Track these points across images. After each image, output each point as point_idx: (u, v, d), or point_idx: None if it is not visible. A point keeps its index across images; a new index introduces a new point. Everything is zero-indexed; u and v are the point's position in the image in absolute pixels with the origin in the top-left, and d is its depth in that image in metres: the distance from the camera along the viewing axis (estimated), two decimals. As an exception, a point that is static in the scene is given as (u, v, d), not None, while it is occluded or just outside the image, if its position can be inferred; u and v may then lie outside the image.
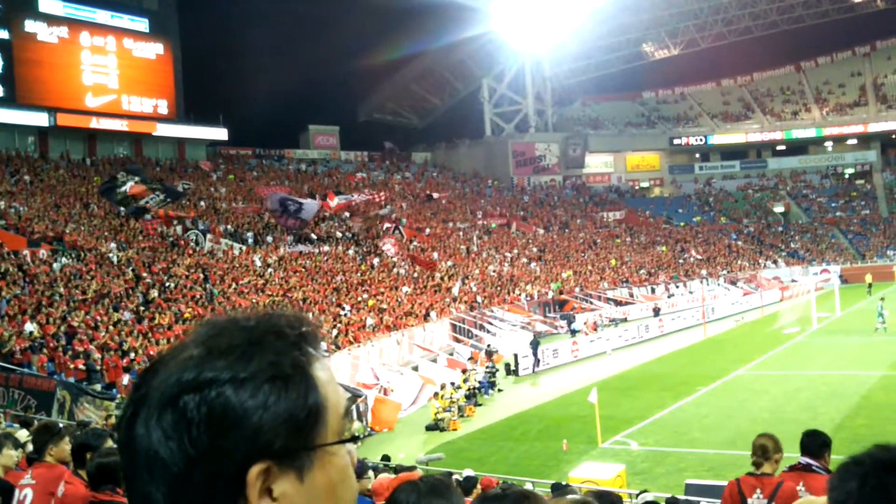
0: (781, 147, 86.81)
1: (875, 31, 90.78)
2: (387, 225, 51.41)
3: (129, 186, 40.21)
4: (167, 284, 32.79)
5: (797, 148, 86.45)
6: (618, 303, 50.91)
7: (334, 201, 49.45)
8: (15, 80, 49.79)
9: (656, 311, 46.47)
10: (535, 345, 33.71)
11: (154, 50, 57.03)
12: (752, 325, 44.06)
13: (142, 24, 56.57)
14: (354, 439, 1.10)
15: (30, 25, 50.90)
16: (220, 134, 60.83)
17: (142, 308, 29.43)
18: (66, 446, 5.56)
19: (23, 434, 9.54)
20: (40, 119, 50.28)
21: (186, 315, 29.70)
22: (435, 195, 64.21)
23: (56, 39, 52.06)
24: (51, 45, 51.77)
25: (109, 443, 5.18)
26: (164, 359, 1.03)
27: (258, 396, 0.99)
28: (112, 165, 50.38)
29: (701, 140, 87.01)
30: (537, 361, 33.17)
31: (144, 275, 32.78)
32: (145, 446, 0.97)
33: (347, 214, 50.76)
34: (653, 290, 55.82)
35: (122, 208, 40.57)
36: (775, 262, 69.35)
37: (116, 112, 54.36)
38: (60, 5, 52.25)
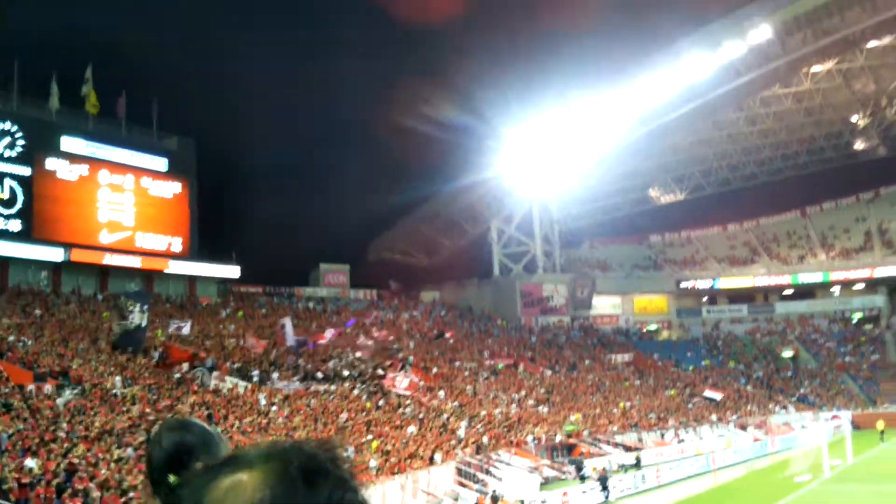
0: (789, 291, 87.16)
1: (878, 178, 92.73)
2: (397, 366, 51.35)
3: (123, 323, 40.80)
4: (171, 422, 32.48)
5: (804, 292, 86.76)
6: (627, 448, 50.07)
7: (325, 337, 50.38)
8: (32, 215, 50.79)
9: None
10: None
11: (171, 189, 58.28)
12: (762, 473, 43.20)
13: (161, 163, 57.99)
14: None
15: (51, 163, 52.24)
16: (232, 272, 61.46)
17: (145, 446, 29.14)
18: None
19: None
20: (55, 254, 51.05)
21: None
22: (446, 334, 64.25)
23: (76, 177, 53.34)
24: (70, 183, 53.03)
25: None
26: (212, 479, 1.03)
27: None
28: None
29: (708, 284, 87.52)
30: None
31: (148, 411, 32.60)
32: None
33: (357, 353, 51.01)
34: (662, 435, 54.99)
35: (128, 347, 40.68)
36: (785, 407, 68.50)
37: (130, 249, 55.17)
38: (83, 143, 53.79)
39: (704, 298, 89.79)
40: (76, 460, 25.67)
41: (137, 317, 41.14)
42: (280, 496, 0.98)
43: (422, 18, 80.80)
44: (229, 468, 1.02)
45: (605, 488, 35.54)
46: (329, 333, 51.69)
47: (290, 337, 47.92)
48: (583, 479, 40.22)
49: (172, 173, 58.43)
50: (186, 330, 47.18)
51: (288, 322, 49.31)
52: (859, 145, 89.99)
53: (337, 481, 1.03)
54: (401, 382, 47.28)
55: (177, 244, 57.92)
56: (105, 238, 54.16)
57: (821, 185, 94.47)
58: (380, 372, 49.87)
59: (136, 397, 34.23)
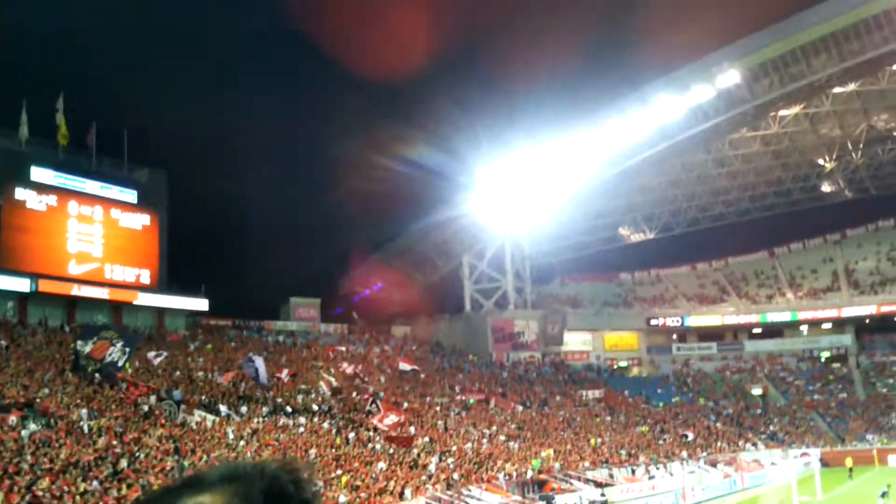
0: (757, 330, 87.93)
1: (845, 220, 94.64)
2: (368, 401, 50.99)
3: (90, 349, 40.08)
4: (137, 455, 32.04)
5: (773, 331, 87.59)
6: (598, 484, 49.88)
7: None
8: (0, 244, 50.11)
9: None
10: None
11: (141, 221, 57.75)
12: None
13: (131, 196, 57.48)
14: None
15: (20, 193, 51.53)
16: (201, 304, 60.82)
17: (110, 479, 28.64)
18: None
19: None
20: (22, 285, 50.28)
21: (154, 488, 28.88)
22: (407, 367, 63.23)
23: (44, 207, 52.69)
24: (39, 213, 52.33)
25: None
26: (172, 495, 1.03)
27: None
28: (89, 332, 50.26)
29: (678, 322, 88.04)
30: None
31: (115, 443, 32.08)
32: None
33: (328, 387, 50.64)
34: (633, 471, 54.88)
35: (96, 375, 40.17)
36: (755, 444, 68.73)
37: (99, 280, 54.46)
38: (52, 174, 53.19)
39: (674, 336, 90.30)
40: (40, 493, 25.18)
41: (117, 354, 40.61)
42: None
43: (391, 74, 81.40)
44: (192, 489, 1.01)
45: None
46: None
47: (263, 374, 47.32)
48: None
49: (142, 205, 57.95)
50: (160, 360, 46.79)
51: (259, 359, 48.72)
52: (826, 188, 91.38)
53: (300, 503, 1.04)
54: (384, 420, 46.90)
55: (146, 276, 57.33)
56: (73, 269, 53.48)
57: (788, 226, 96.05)
58: (358, 408, 49.53)
59: (103, 429, 33.68)
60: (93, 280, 54.07)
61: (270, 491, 1.00)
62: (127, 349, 41.31)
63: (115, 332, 42.45)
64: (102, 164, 57.25)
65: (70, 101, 55.09)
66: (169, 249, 59.78)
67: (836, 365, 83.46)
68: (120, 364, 40.76)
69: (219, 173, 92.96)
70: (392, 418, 46.79)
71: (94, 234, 55.13)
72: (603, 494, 45.01)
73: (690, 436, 65.14)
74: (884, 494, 36.53)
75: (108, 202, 56.26)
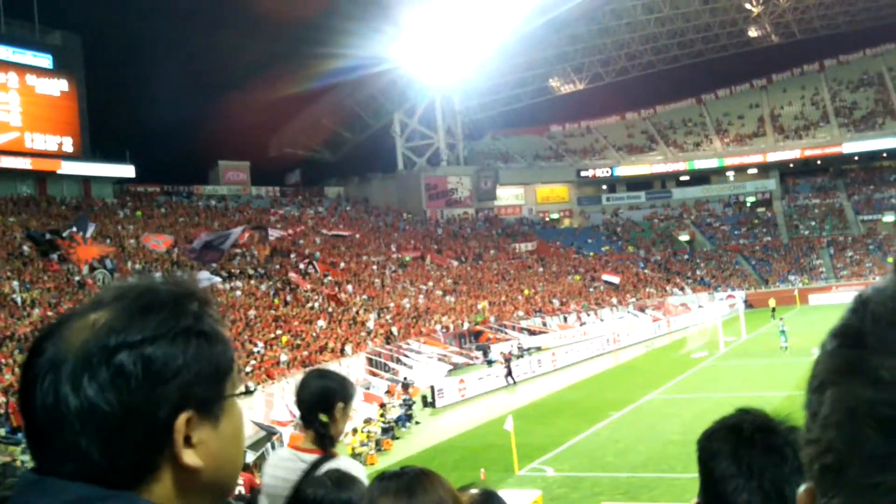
0: (685, 177, 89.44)
1: (771, 65, 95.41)
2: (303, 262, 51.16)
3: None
4: (74, 325, 31.92)
5: (700, 178, 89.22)
6: (531, 332, 51.51)
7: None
8: None
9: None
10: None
11: (58, 87, 55.71)
12: (660, 351, 45.11)
13: (45, 61, 55.25)
14: (248, 392, 1.19)
15: (-74, 61, 49.33)
16: (128, 171, 59.62)
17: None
18: None
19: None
20: (-63, 157, 48.66)
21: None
22: (336, 232, 63.25)
23: (-47, 75, 50.55)
24: (-52, 82, 50.24)
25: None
26: (69, 323, 1.10)
27: (189, 351, 1.09)
28: (15, 204, 49.13)
29: (607, 172, 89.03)
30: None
31: (50, 314, 31.94)
32: (78, 402, 1.03)
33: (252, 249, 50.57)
34: (565, 319, 56.67)
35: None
36: (682, 288, 71.21)
37: (19, 150, 52.80)
38: (-41, 41, 50.81)
39: (604, 186, 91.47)
40: (-23, 366, 25.15)
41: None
42: (117, 328, 1.07)
43: None
44: (88, 310, 1.10)
45: (509, 373, 36.56)
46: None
47: (199, 243, 46.43)
48: (490, 363, 41.34)
49: (58, 70, 55.75)
50: (89, 232, 46.03)
51: (237, 230, 47.65)
52: (753, 33, 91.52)
53: (172, 311, 1.11)
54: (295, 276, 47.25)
55: (68, 144, 55.71)
56: (-9, 140, 51.73)
57: (716, 72, 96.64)
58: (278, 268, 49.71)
59: (36, 301, 33.45)
60: (13, 150, 52.41)
61: (149, 300, 1.11)
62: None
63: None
64: (12, 27, 54.59)
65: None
66: (90, 116, 57.99)
67: (760, 209, 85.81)
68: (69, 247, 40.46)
69: (136, 34, 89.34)
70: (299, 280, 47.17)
71: (10, 102, 53.07)
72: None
73: (613, 279, 66.57)
74: (782, 332, 38.73)
75: (22, 68, 54.00)
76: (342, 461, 3.23)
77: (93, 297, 1.15)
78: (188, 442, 1.08)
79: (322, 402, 3.24)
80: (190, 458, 1.08)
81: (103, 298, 1.12)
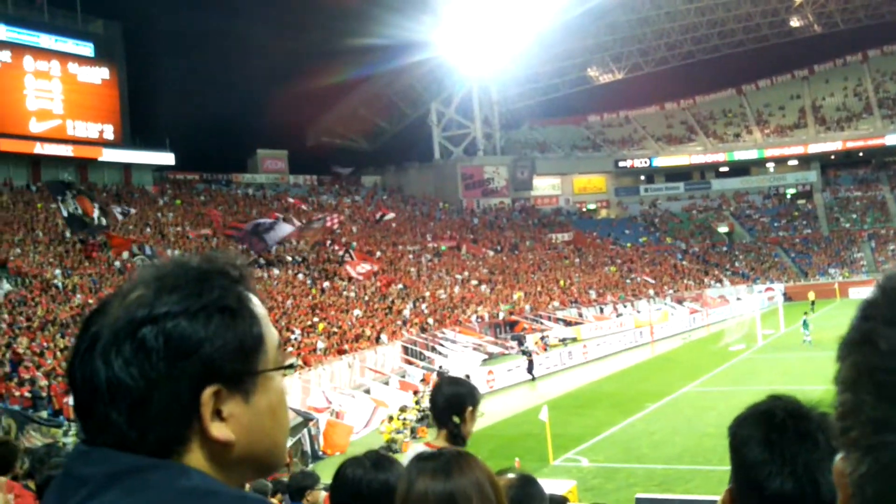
0: (724, 168, 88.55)
1: (813, 55, 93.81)
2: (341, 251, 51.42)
3: (75, 208, 40.12)
4: (114, 310, 32.35)
5: (740, 169, 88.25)
6: (567, 323, 51.37)
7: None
8: (-44, 105, 48.95)
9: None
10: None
11: (99, 75, 56.41)
12: (698, 343, 44.79)
13: (87, 49, 55.96)
14: (290, 367, 1.21)
15: (-29, 50, 50.12)
16: (167, 159, 60.25)
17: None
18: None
19: None
20: (-18, 145, 49.48)
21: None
22: (388, 216, 64.01)
23: (-1, 64, 51.33)
24: (-7, 70, 51.02)
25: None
26: (112, 300, 1.15)
27: (210, 326, 1.11)
28: (55, 190, 49.84)
29: (645, 162, 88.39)
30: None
31: (91, 301, 32.39)
32: (106, 375, 1.08)
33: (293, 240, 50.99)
34: (601, 310, 56.44)
35: (94, 236, 40.23)
36: (720, 281, 70.58)
37: (61, 137, 53.57)
38: (3, 29, 51.41)
39: (642, 177, 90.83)
40: (21, 350, 25.56)
41: (72, 204, 40.56)
42: (144, 304, 1.11)
43: None
44: (127, 288, 1.16)
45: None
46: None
47: (249, 226, 47.25)
48: (524, 353, 41.28)
49: (100, 58, 56.46)
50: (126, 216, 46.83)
51: (285, 225, 48.47)
52: (795, 22, 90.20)
53: (196, 287, 1.14)
54: (358, 268, 47.60)
55: (109, 132, 56.42)
56: (35, 127, 52.43)
57: (756, 63, 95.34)
58: (331, 259, 50.03)
59: (77, 287, 33.94)
60: (55, 137, 53.20)
61: (177, 276, 1.15)
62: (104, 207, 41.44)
63: (83, 190, 42.23)
64: (55, 17, 55.35)
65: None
66: (131, 104, 58.76)
67: (801, 201, 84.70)
68: (105, 223, 40.91)
69: (177, 24, 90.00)
70: (365, 266, 47.47)
71: (53, 90, 53.86)
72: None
73: (652, 280, 66.33)
74: (805, 324, 38.47)
75: (65, 56, 54.75)
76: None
77: (133, 275, 1.20)
78: (219, 415, 1.11)
79: (454, 406, 3.76)
80: (218, 430, 1.11)
81: (141, 276, 1.16)
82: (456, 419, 3.76)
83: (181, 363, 1.09)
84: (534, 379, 35.88)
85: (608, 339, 45.30)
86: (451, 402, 3.78)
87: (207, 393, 1.10)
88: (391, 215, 64.29)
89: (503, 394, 32.82)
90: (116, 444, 1.08)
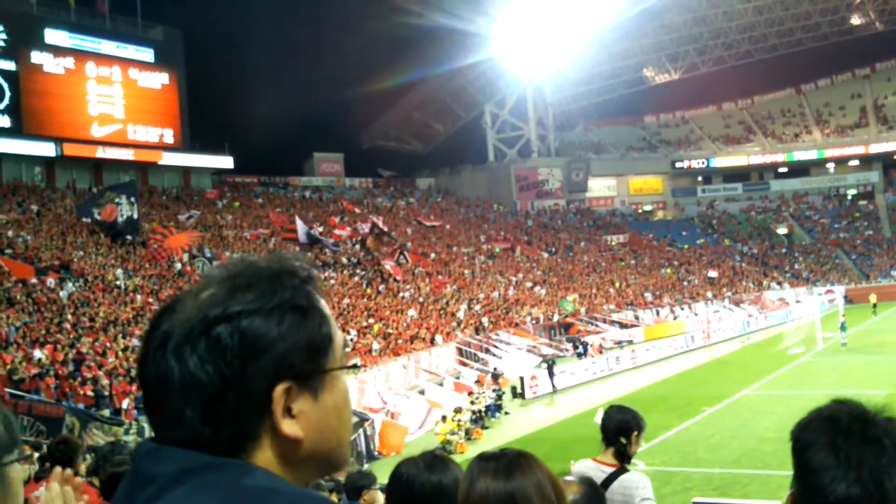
0: (783, 169, 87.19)
1: (874, 53, 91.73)
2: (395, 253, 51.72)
3: (98, 214, 40.95)
4: (174, 311, 32.88)
5: (799, 170, 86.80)
6: (623, 325, 50.98)
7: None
8: (21, 110, 50.09)
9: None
10: (550, 366, 34.27)
11: (159, 80, 57.45)
12: (757, 346, 44.12)
13: (147, 55, 57.01)
14: (355, 367, 1.23)
15: (36, 56, 51.19)
16: (226, 162, 61.17)
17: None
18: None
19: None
20: (47, 149, 50.62)
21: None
22: (428, 223, 64.16)
23: (62, 70, 52.39)
24: (57, 76, 52.09)
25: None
26: (182, 299, 1.18)
27: (283, 325, 1.14)
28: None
29: (703, 163, 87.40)
30: (553, 385, 33.56)
31: (151, 301, 32.99)
32: (181, 372, 1.10)
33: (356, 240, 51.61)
34: (658, 313, 55.92)
35: (127, 237, 41.04)
36: (780, 283, 69.45)
37: (122, 141, 54.70)
38: (66, 36, 52.64)
39: (699, 178, 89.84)
40: (84, 350, 26.11)
41: (126, 208, 41.27)
42: (218, 302, 1.14)
43: None
44: (199, 287, 1.18)
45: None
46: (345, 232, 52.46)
47: (302, 233, 48.24)
48: (580, 355, 41.09)
49: (160, 64, 57.48)
50: (192, 221, 47.84)
51: (299, 221, 49.65)
52: (855, 20, 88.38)
53: (269, 286, 1.17)
54: (390, 265, 48.09)
55: (168, 135, 57.44)
56: (97, 131, 53.63)
57: (816, 61, 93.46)
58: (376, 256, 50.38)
59: (139, 288, 34.59)
60: (117, 142, 54.33)
61: (249, 276, 1.18)
62: (132, 199, 42.02)
63: (111, 191, 42.88)
64: (116, 23, 56.55)
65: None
66: (190, 108, 59.74)
67: (862, 202, 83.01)
68: (135, 216, 41.56)
69: (234, 30, 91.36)
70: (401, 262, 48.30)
71: (115, 95, 54.98)
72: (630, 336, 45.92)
73: (714, 274, 65.77)
74: (842, 326, 37.81)
75: (126, 62, 55.86)
76: (632, 473, 4.57)
77: (204, 275, 1.22)
78: (289, 412, 1.13)
79: (623, 430, 4.50)
80: (289, 427, 1.13)
81: (212, 276, 1.19)
82: (623, 440, 4.48)
83: (255, 360, 1.11)
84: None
85: (662, 342, 44.77)
86: (621, 426, 4.49)
87: (280, 390, 1.12)
88: (437, 223, 64.54)
89: (561, 395, 32.70)
90: (187, 440, 1.10)
